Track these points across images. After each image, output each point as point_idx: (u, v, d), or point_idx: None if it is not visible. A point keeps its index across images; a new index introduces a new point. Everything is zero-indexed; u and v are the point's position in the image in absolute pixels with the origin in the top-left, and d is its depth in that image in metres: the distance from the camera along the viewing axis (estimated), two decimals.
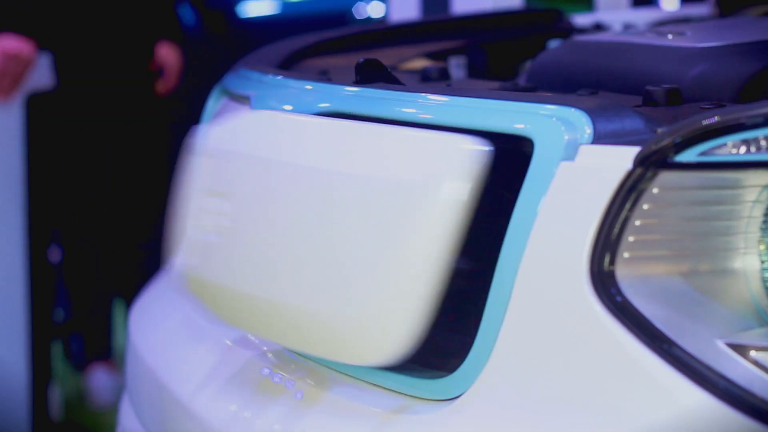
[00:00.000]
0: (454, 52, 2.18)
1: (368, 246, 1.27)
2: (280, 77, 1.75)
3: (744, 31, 1.82)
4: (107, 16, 3.47)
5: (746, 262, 1.20)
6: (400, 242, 1.25)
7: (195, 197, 1.48)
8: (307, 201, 1.33)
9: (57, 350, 3.61)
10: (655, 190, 1.20)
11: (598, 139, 1.25)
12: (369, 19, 4.71)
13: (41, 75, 3.28)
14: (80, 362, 3.70)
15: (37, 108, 3.21)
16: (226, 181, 1.42)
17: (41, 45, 3.24)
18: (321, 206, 1.32)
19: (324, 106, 1.54)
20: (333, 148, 1.36)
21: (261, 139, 1.44)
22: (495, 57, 2.24)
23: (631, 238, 1.20)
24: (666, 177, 1.20)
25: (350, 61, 1.71)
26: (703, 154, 1.19)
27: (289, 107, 1.60)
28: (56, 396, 3.37)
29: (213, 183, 1.44)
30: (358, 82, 1.58)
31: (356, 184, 1.30)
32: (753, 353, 1.17)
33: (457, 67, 2.11)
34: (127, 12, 3.50)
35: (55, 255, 3.55)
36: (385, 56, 1.83)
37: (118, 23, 3.49)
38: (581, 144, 1.25)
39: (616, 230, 1.20)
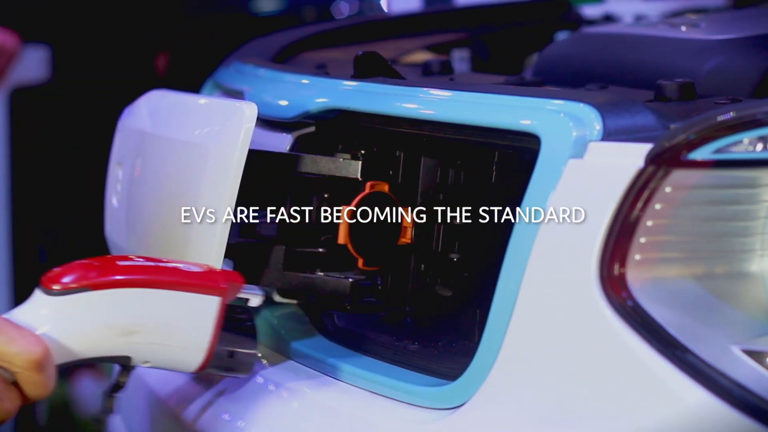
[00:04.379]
0: (458, 44, 2.18)
1: (182, 201, 1.46)
2: (274, 71, 1.75)
3: (761, 22, 1.82)
4: (106, 9, 3.48)
5: (763, 264, 1.20)
6: (199, 197, 1.45)
7: (110, 169, 1.71)
8: (151, 164, 1.56)
9: None
10: (667, 190, 1.20)
11: (608, 135, 1.25)
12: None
13: (27, 69, 3.28)
14: (66, 369, 3.70)
15: (22, 103, 3.21)
16: (123, 152, 1.66)
17: (35, 38, 3.24)
18: (157, 168, 1.54)
19: (321, 101, 1.54)
20: (166, 117, 1.58)
21: (144, 114, 1.64)
22: (500, 50, 2.24)
23: (642, 240, 1.20)
24: (679, 175, 1.19)
25: (348, 54, 1.71)
26: (718, 151, 1.19)
27: (284, 102, 1.60)
28: (41, 404, 3.36)
29: (117, 155, 1.68)
30: (356, 76, 1.58)
31: (172, 147, 1.52)
32: None
33: (460, 60, 2.11)
34: (125, 7, 3.51)
35: (41, 256, 3.55)
36: (385, 49, 1.83)
37: (118, 18, 3.50)
38: (590, 141, 1.25)
39: (626, 231, 1.20)
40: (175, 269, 1.33)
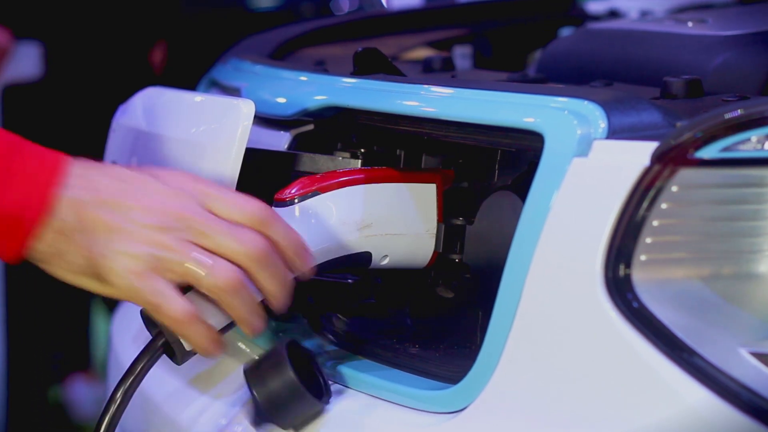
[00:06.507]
0: (459, 40, 2.18)
1: None
2: (272, 68, 1.75)
3: None
4: (100, 6, 3.48)
5: None
6: None
7: None
8: (147, 163, 1.56)
9: (35, 361, 3.61)
10: (674, 189, 1.19)
11: (613, 133, 1.25)
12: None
13: (20, 66, 3.28)
14: (59, 373, 3.70)
15: (14, 100, 3.21)
16: (118, 150, 1.67)
17: (28, 34, 3.24)
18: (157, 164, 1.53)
19: (320, 98, 1.54)
20: (162, 115, 1.58)
21: (139, 112, 1.64)
22: (502, 46, 2.24)
23: (648, 240, 1.20)
24: (686, 174, 1.19)
25: (348, 50, 1.71)
26: (725, 149, 1.19)
27: (282, 100, 1.60)
28: (35, 408, 3.36)
29: (112, 153, 1.69)
30: (356, 73, 1.58)
31: (168, 146, 1.53)
32: None
33: (462, 56, 2.10)
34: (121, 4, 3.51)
35: None
36: (386, 45, 1.82)
37: (114, 13, 3.50)
38: (595, 139, 1.25)
39: (632, 231, 1.20)
40: (390, 168, 1.45)
